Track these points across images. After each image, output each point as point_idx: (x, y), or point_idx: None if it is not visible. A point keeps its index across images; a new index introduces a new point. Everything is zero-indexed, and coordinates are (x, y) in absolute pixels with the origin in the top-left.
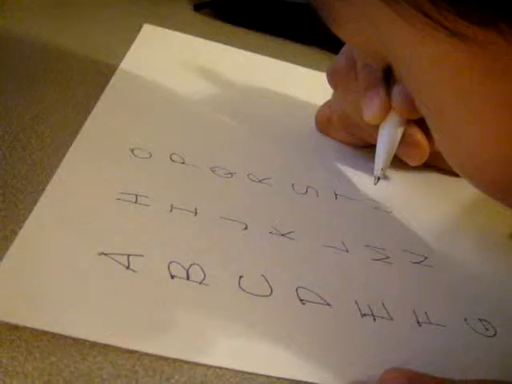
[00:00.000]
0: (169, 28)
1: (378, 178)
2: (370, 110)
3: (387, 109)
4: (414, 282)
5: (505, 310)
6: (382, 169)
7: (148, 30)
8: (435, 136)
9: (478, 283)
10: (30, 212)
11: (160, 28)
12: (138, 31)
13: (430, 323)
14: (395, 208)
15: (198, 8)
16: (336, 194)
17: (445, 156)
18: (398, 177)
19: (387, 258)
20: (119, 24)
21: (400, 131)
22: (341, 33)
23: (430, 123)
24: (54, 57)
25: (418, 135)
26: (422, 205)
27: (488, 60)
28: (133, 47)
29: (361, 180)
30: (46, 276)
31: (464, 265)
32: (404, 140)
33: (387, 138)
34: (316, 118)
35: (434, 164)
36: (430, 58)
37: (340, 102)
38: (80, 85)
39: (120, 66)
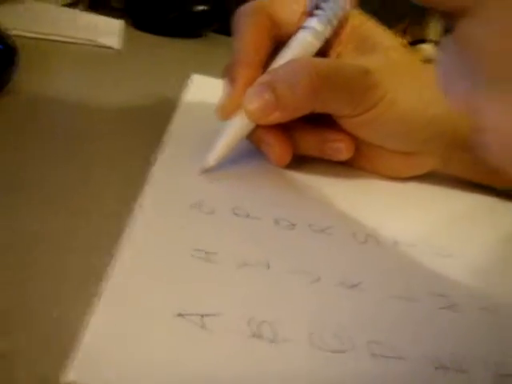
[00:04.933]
0: (216, 75)
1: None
2: (219, 104)
3: (236, 106)
4: (484, 330)
5: None
6: (213, 160)
7: (196, 79)
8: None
9: None
10: (106, 273)
11: (208, 77)
12: (187, 80)
13: (507, 375)
14: (455, 251)
15: None
16: (395, 241)
17: (502, 142)
18: (450, 216)
19: (454, 305)
20: (168, 75)
21: (246, 128)
22: None
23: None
24: (104, 115)
25: (271, 135)
26: (479, 243)
27: None
28: (183, 99)
29: (420, 224)
30: (130, 340)
31: None
32: (261, 137)
33: (229, 130)
34: None
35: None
36: None
37: None
38: (136, 138)
39: (173, 119)
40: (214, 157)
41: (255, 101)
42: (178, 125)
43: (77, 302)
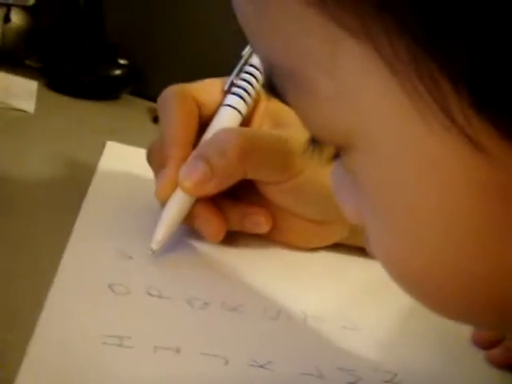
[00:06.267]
0: (131, 140)
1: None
2: (157, 186)
3: (173, 186)
4: None
5: None
6: (159, 241)
7: (111, 147)
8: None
9: None
10: (19, 365)
11: (122, 145)
12: (102, 147)
13: None
14: (360, 324)
15: (156, 120)
16: (306, 316)
17: (383, 256)
18: (358, 287)
19: (360, 379)
20: (83, 139)
21: (186, 205)
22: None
23: (367, 220)
24: (17, 185)
25: (207, 211)
26: (384, 315)
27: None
28: (98, 169)
29: (329, 295)
30: None
31: (430, 378)
32: (196, 215)
33: (170, 209)
34: None
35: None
36: (428, 155)
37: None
38: (50, 214)
39: (88, 194)
40: (158, 240)
41: (191, 174)
42: (93, 199)
43: None
